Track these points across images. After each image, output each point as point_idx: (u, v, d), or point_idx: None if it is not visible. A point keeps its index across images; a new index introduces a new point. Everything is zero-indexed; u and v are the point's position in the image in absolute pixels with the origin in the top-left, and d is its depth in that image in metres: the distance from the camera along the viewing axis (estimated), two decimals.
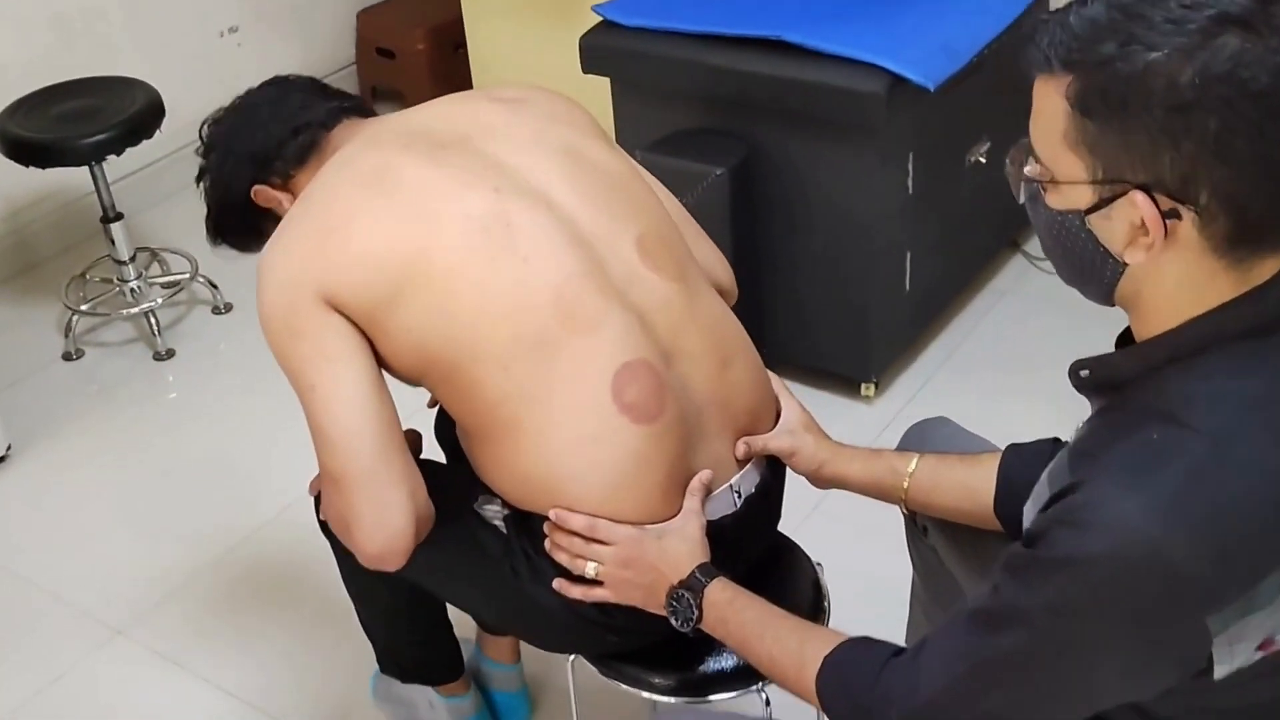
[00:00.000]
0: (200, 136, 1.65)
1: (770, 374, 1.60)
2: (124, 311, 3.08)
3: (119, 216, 2.99)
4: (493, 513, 1.49)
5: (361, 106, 1.63)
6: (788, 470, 1.58)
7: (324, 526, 1.70)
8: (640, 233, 1.47)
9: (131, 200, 3.32)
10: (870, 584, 1.97)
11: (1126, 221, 1.02)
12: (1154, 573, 0.99)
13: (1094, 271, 1.08)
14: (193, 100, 3.54)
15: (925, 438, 1.62)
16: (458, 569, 1.55)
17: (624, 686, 1.53)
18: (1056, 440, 1.43)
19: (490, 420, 1.41)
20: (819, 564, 1.66)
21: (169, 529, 2.52)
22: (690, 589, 1.37)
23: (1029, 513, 1.19)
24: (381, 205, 1.40)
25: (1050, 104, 1.02)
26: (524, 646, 2.01)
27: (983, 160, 2.70)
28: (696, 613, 1.36)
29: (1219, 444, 1.00)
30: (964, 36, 2.42)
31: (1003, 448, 1.49)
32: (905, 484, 1.49)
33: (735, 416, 1.49)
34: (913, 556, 1.71)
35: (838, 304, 2.57)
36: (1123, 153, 1.00)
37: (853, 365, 2.65)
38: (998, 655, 1.09)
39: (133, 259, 3.05)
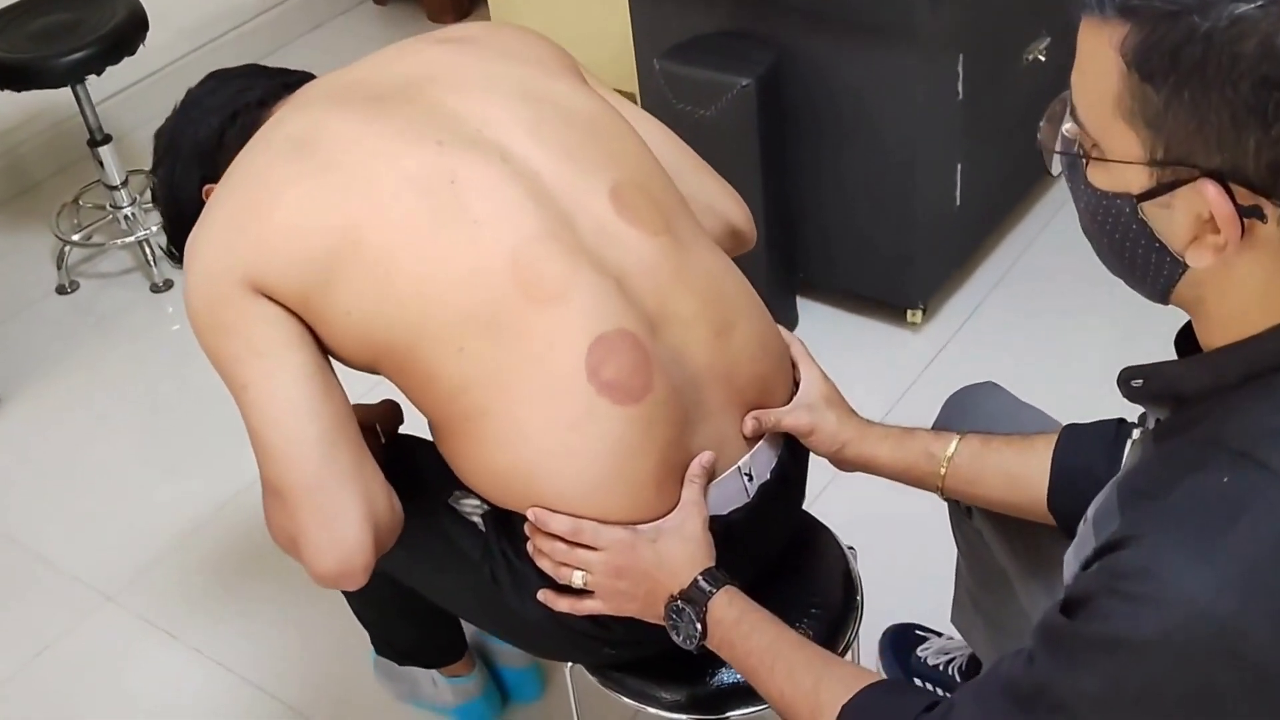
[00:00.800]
0: (154, 152, 1.49)
1: (789, 335, 1.39)
2: (119, 241, 2.90)
3: (107, 139, 2.79)
4: (470, 508, 1.31)
5: (308, 79, 1.43)
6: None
7: None
8: (615, 182, 1.25)
9: (124, 118, 3.12)
10: (906, 563, 1.77)
11: (1191, 214, 0.81)
12: (1228, 660, 0.78)
13: (1145, 268, 0.87)
14: (183, 7, 3.30)
15: (968, 409, 1.41)
16: (433, 572, 1.37)
17: (626, 700, 1.35)
18: (1122, 421, 1.21)
19: (452, 411, 1.21)
20: (851, 548, 1.46)
21: (165, 479, 2.37)
22: (691, 601, 1.18)
23: (1069, 562, 0.97)
24: (307, 173, 1.21)
25: (1100, 59, 0.81)
26: None
27: (1041, 58, 2.42)
28: (700, 629, 1.17)
29: None
30: None
31: (1060, 426, 1.27)
32: (943, 470, 1.28)
33: (741, 389, 1.28)
34: (957, 538, 1.52)
35: (880, 224, 2.33)
36: (1194, 131, 0.78)
37: (898, 290, 2.41)
38: None
39: (125, 183, 2.86)
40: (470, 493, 1.30)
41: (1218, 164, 0.78)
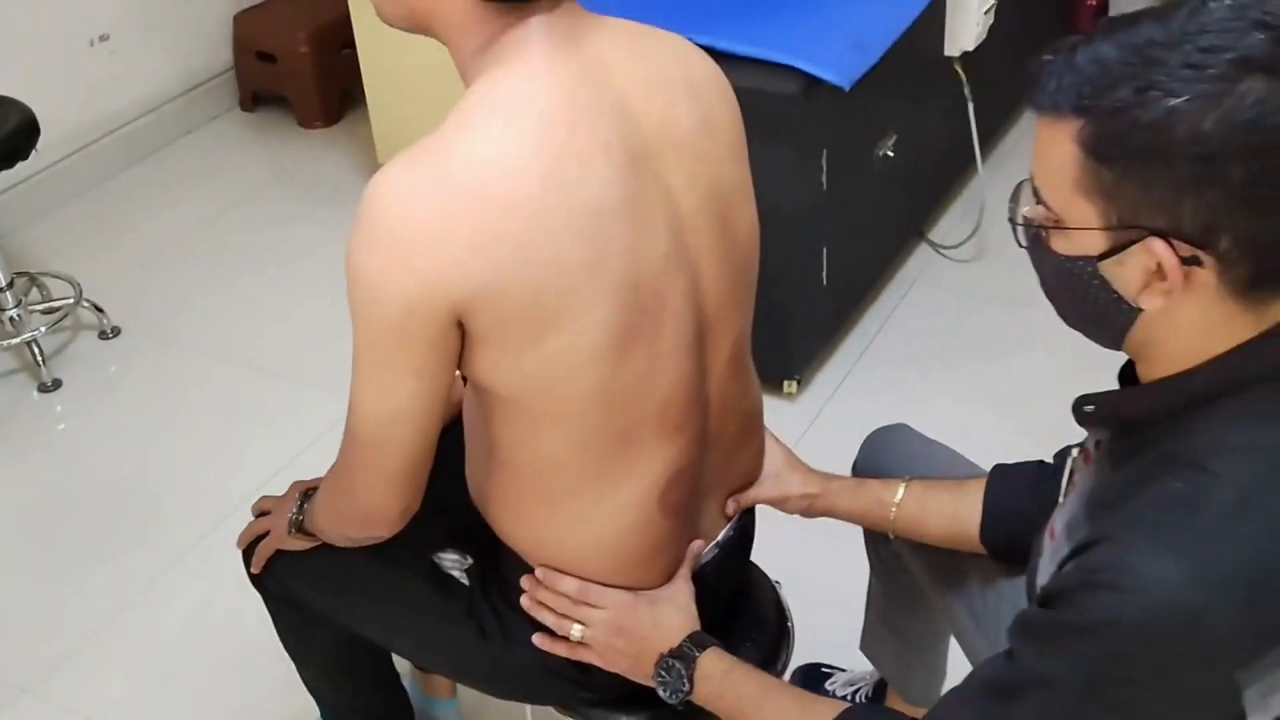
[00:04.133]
0: None
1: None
2: (4, 342, 2.90)
3: None
4: (452, 564, 1.42)
5: None
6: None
7: (255, 581, 1.60)
8: (736, 336, 1.33)
9: (4, 221, 3.14)
10: (826, 590, 1.94)
11: (1142, 268, 0.98)
12: (1192, 636, 0.94)
13: (1105, 317, 1.04)
14: (66, 114, 3.36)
15: (883, 449, 1.60)
16: (411, 627, 1.47)
17: None
18: (1042, 463, 1.40)
19: (535, 479, 1.29)
20: (778, 582, 1.62)
21: (71, 573, 2.38)
22: (682, 659, 1.31)
23: (1043, 569, 1.13)
24: (569, 218, 1.12)
25: (1060, 149, 0.98)
26: None
27: (890, 154, 2.69)
28: (688, 685, 1.31)
29: (1250, 497, 0.95)
30: (873, 32, 2.40)
31: (982, 471, 1.46)
32: (892, 515, 1.46)
33: (733, 490, 1.45)
34: (871, 559, 1.69)
35: (758, 302, 2.53)
36: (1141, 200, 0.95)
37: (774, 363, 2.61)
38: None
39: (10, 285, 2.88)
40: (451, 551, 1.42)
41: (1161, 225, 0.94)
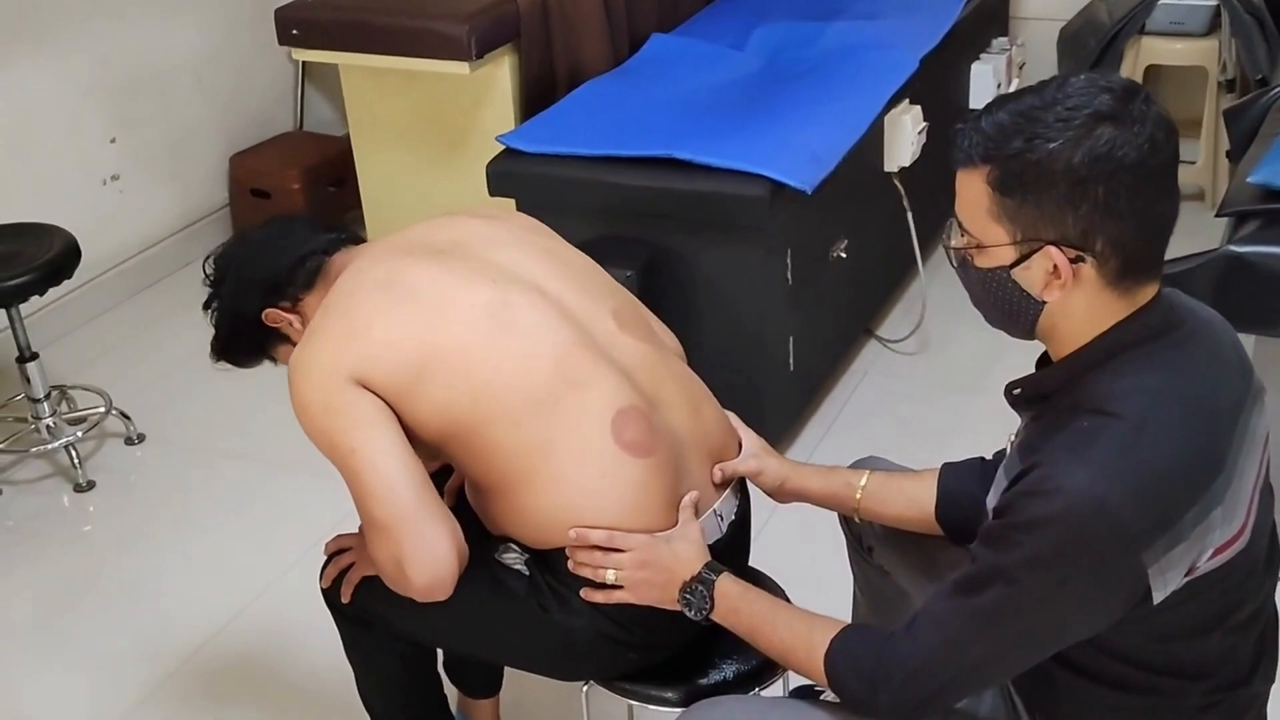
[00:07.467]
0: (205, 271, 1.88)
1: (727, 412, 1.88)
2: (34, 449, 3.15)
3: (34, 356, 3.09)
4: (513, 559, 1.70)
5: (356, 237, 1.87)
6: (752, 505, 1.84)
7: (326, 595, 1.87)
8: (614, 307, 1.75)
9: (37, 337, 3.40)
10: (820, 592, 2.22)
11: (1042, 270, 1.33)
12: (1101, 523, 1.27)
13: (1019, 313, 1.38)
14: (85, 242, 3.68)
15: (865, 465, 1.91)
16: (486, 616, 1.73)
17: (634, 704, 1.74)
18: (984, 459, 1.72)
19: (508, 473, 1.62)
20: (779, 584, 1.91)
21: (95, 661, 2.58)
22: (703, 582, 1.60)
23: (991, 499, 1.46)
24: (398, 304, 1.64)
25: (975, 189, 1.34)
26: (502, 710, 2.19)
27: (843, 255, 3.06)
28: (709, 603, 1.59)
29: (1138, 424, 1.30)
30: (826, 147, 2.80)
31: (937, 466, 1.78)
32: (858, 495, 1.76)
33: (711, 451, 1.75)
34: (855, 573, 1.98)
35: (734, 385, 2.82)
36: (1037, 218, 1.30)
37: None
38: (983, 610, 1.34)
39: (48, 396, 3.13)
40: (511, 548, 1.70)
41: (1053, 236, 1.29)
